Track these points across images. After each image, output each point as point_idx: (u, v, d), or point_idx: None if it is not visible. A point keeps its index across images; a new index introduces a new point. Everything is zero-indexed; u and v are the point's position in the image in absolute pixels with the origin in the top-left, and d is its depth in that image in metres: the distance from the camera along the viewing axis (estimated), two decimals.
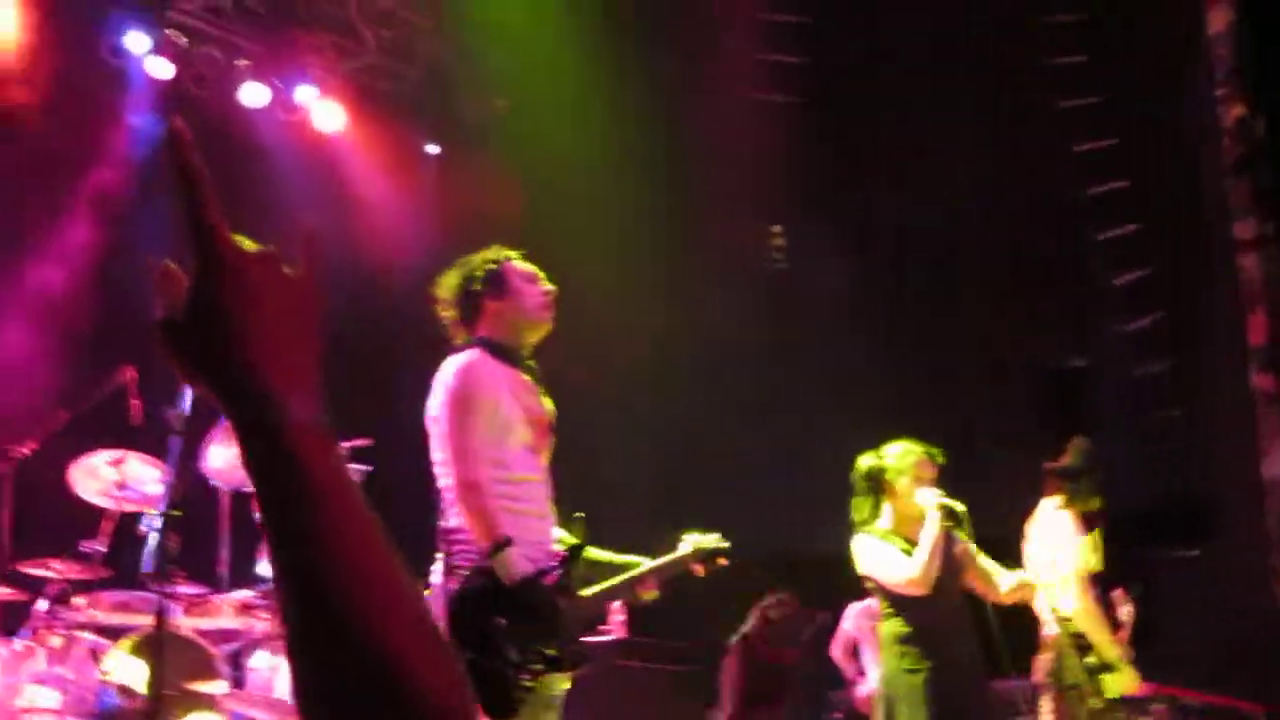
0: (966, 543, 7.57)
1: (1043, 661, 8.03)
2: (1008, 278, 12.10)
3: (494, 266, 5.97)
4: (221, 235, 1.62)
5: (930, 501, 7.44)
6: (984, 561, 7.67)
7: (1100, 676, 7.78)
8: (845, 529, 7.73)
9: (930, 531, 7.38)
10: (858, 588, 8.02)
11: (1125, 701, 7.86)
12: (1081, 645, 7.84)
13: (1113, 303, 11.84)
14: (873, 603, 8.21)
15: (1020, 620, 8.02)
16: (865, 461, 7.78)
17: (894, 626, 7.58)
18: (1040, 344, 12.25)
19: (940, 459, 7.71)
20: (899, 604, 7.54)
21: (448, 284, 6.04)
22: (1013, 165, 12.17)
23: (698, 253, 12.59)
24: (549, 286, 6.02)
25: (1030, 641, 8.09)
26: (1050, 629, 7.95)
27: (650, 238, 12.63)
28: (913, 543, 7.48)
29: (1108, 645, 7.80)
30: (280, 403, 1.57)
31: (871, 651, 9.53)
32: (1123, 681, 7.81)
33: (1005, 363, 12.10)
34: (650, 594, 5.98)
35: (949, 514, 7.42)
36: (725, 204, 12.63)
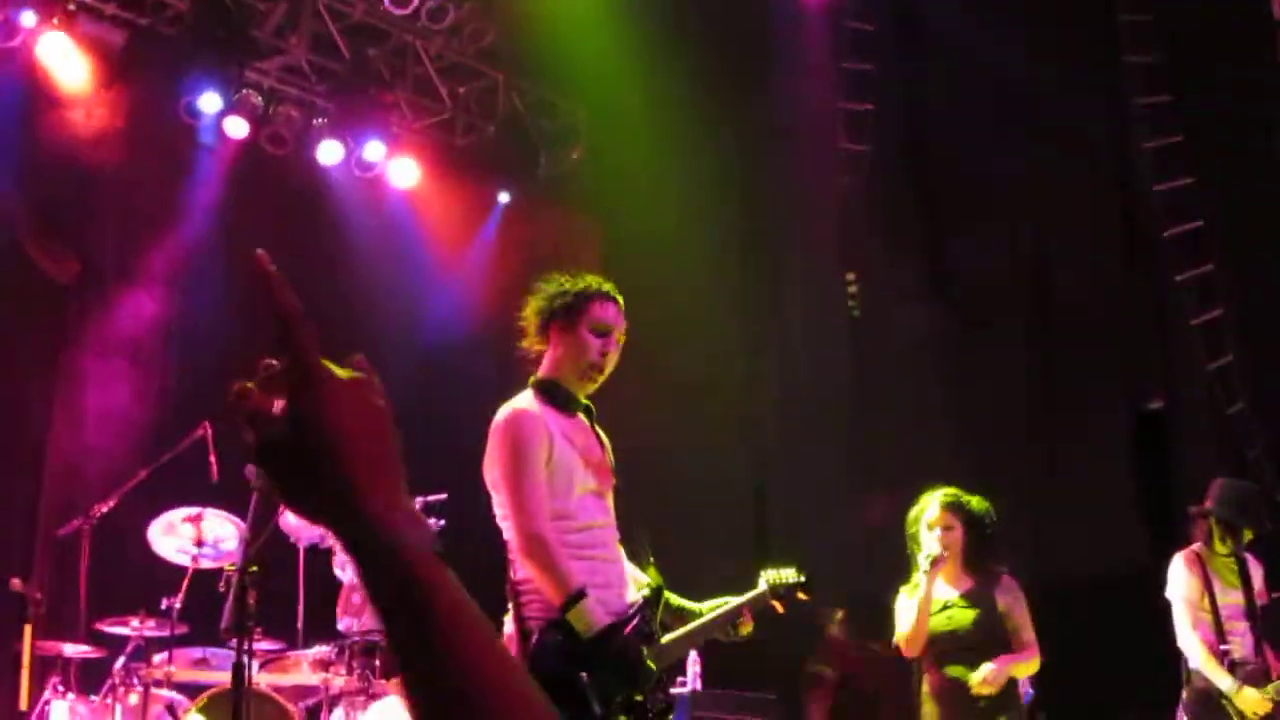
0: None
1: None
2: (1090, 318, 11.95)
3: (574, 297, 5.78)
4: (318, 365, 1.68)
5: (922, 562, 7.42)
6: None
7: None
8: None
9: (918, 594, 7.41)
10: None
11: None
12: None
13: (1194, 342, 11.67)
14: None
15: None
16: (910, 514, 7.75)
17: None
18: (1126, 385, 12.08)
19: (953, 499, 7.60)
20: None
21: (530, 300, 5.88)
22: (1095, 204, 12.04)
23: (780, 300, 12.52)
24: (616, 343, 5.84)
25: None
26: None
27: (731, 286, 12.59)
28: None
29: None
30: (390, 525, 1.63)
31: None
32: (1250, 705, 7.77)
33: (1089, 404, 11.94)
34: (747, 628, 5.89)
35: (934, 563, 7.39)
36: (806, 251, 12.56)
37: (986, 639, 7.44)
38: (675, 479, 11.33)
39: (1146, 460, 11.50)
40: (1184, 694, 8.06)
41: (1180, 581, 8.15)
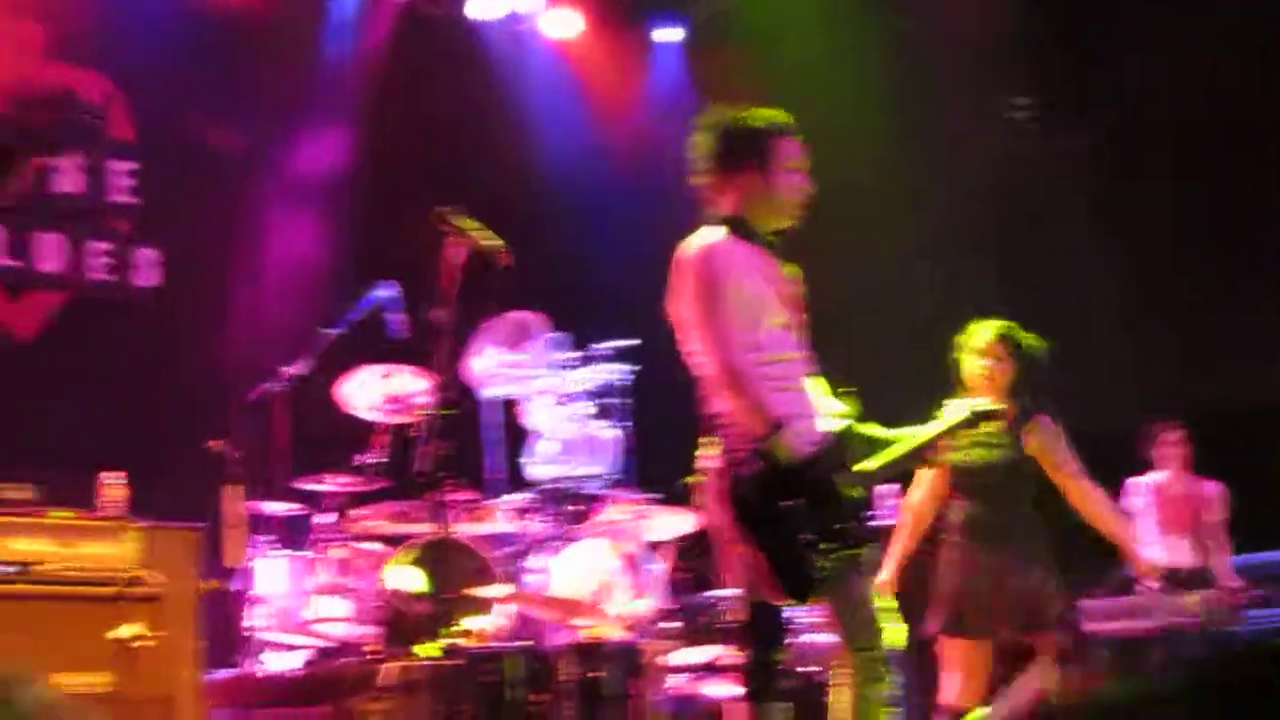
0: None
1: None
2: (1262, 144, 11.56)
3: (767, 134, 5.69)
4: None
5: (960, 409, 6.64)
6: None
7: None
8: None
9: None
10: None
11: None
12: None
13: None
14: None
15: None
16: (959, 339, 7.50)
17: None
18: None
19: (1008, 330, 7.34)
20: None
21: (707, 136, 5.75)
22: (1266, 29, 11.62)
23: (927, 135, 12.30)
24: (807, 182, 5.79)
25: None
26: None
27: (884, 125, 12.40)
28: None
29: None
30: None
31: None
32: None
33: (1254, 232, 11.59)
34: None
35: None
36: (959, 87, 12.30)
37: (1007, 480, 7.26)
38: (855, 313, 11.23)
39: None
40: None
41: None
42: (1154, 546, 9.97)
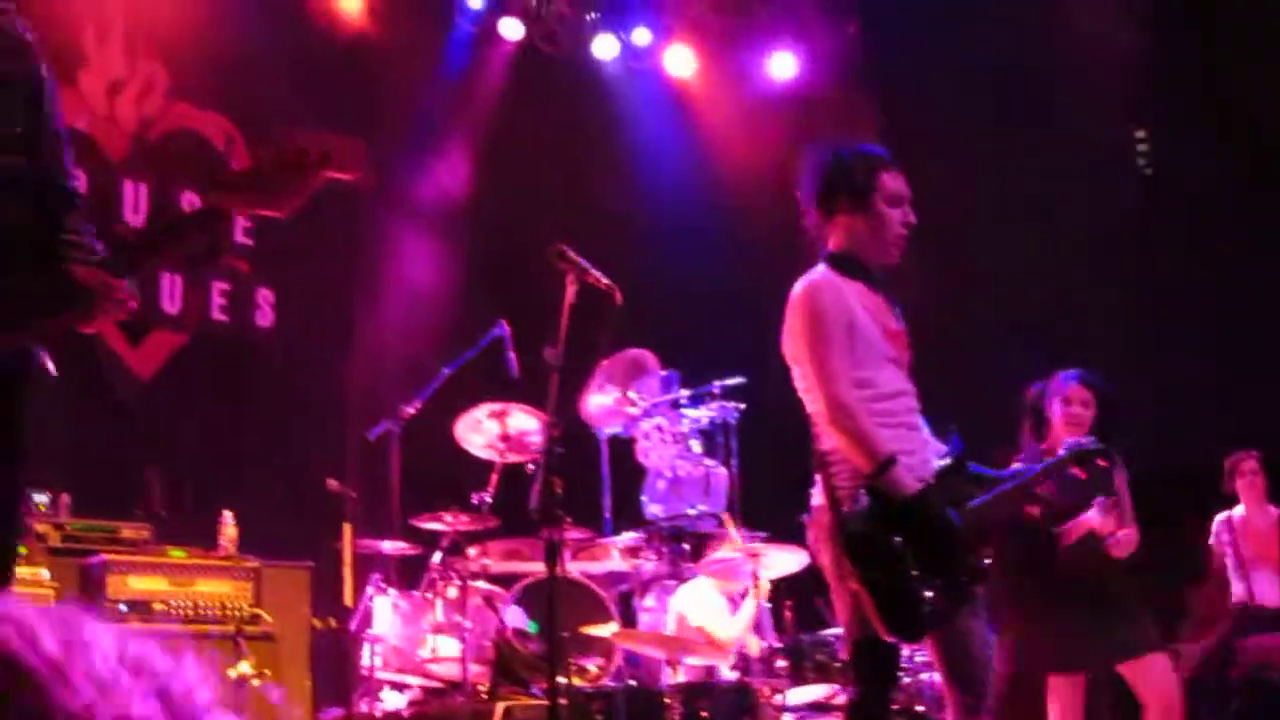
0: None
1: None
2: None
3: (860, 174, 5.66)
4: None
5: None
6: None
7: None
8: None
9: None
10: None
11: None
12: None
13: None
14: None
15: None
16: (1032, 388, 7.64)
17: None
18: None
19: (1093, 377, 7.43)
20: None
21: (810, 174, 5.72)
22: None
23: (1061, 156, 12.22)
24: (911, 216, 5.75)
25: None
26: None
27: (1010, 154, 12.31)
28: None
29: None
30: None
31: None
32: None
33: None
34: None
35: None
36: (1088, 108, 12.21)
37: None
38: (955, 349, 11.16)
39: None
40: None
41: None
42: (1240, 584, 9.82)
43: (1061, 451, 5.97)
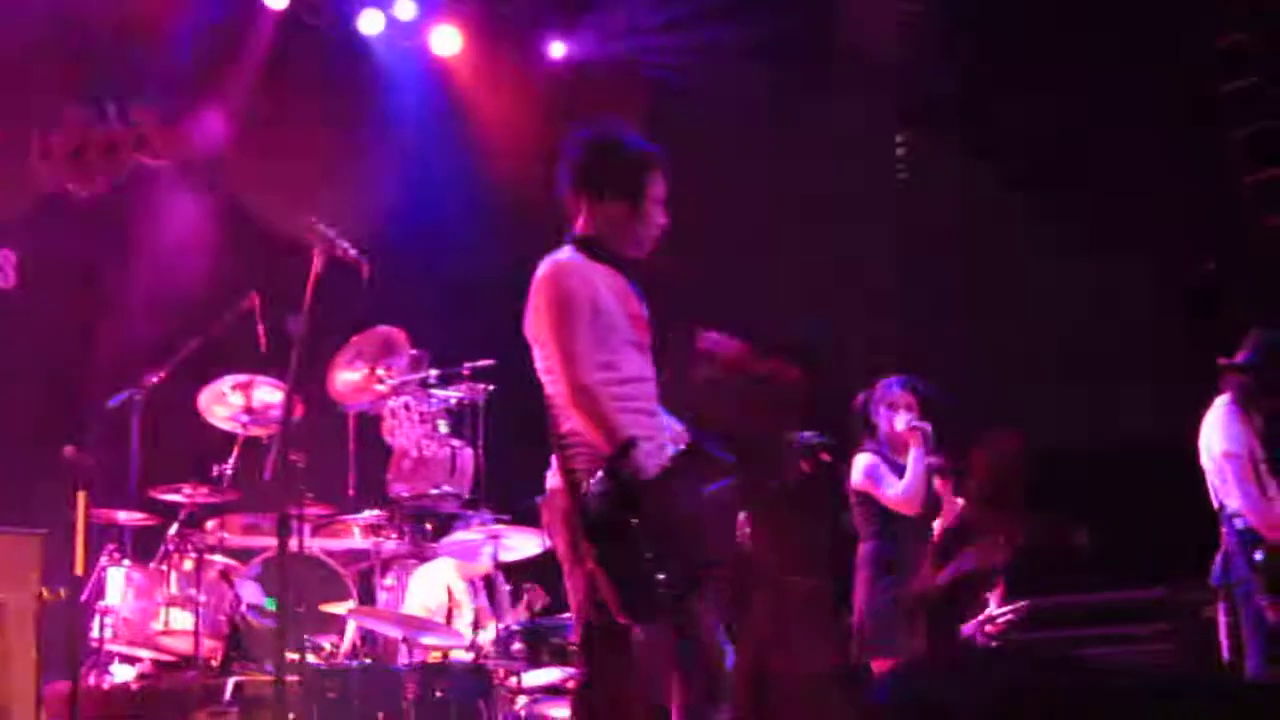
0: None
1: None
2: (1138, 177, 11.76)
3: (641, 166, 5.68)
4: None
5: (904, 426, 7.81)
6: None
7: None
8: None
9: (915, 455, 7.75)
10: None
11: None
12: (1249, 541, 7.68)
13: (1250, 201, 11.48)
14: None
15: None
16: (858, 399, 8.12)
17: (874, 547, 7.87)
18: (1179, 245, 11.92)
19: (921, 386, 7.99)
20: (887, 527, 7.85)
21: (579, 155, 5.73)
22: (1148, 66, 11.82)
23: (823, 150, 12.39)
24: (664, 218, 5.78)
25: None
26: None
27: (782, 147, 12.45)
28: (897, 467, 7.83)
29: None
30: None
31: None
32: None
33: (1141, 266, 11.78)
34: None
35: (923, 436, 7.76)
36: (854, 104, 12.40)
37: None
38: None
39: (1200, 323, 11.37)
40: (1256, 555, 7.60)
41: (1234, 435, 7.78)
42: None
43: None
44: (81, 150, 3.90)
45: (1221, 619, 7.89)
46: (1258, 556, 7.62)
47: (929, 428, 7.73)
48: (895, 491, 7.71)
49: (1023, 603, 8.84)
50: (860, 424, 7.97)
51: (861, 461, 7.82)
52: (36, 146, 3.98)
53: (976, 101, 12.33)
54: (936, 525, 8.07)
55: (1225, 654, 7.86)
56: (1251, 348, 7.98)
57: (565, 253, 5.58)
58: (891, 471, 7.76)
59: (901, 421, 7.77)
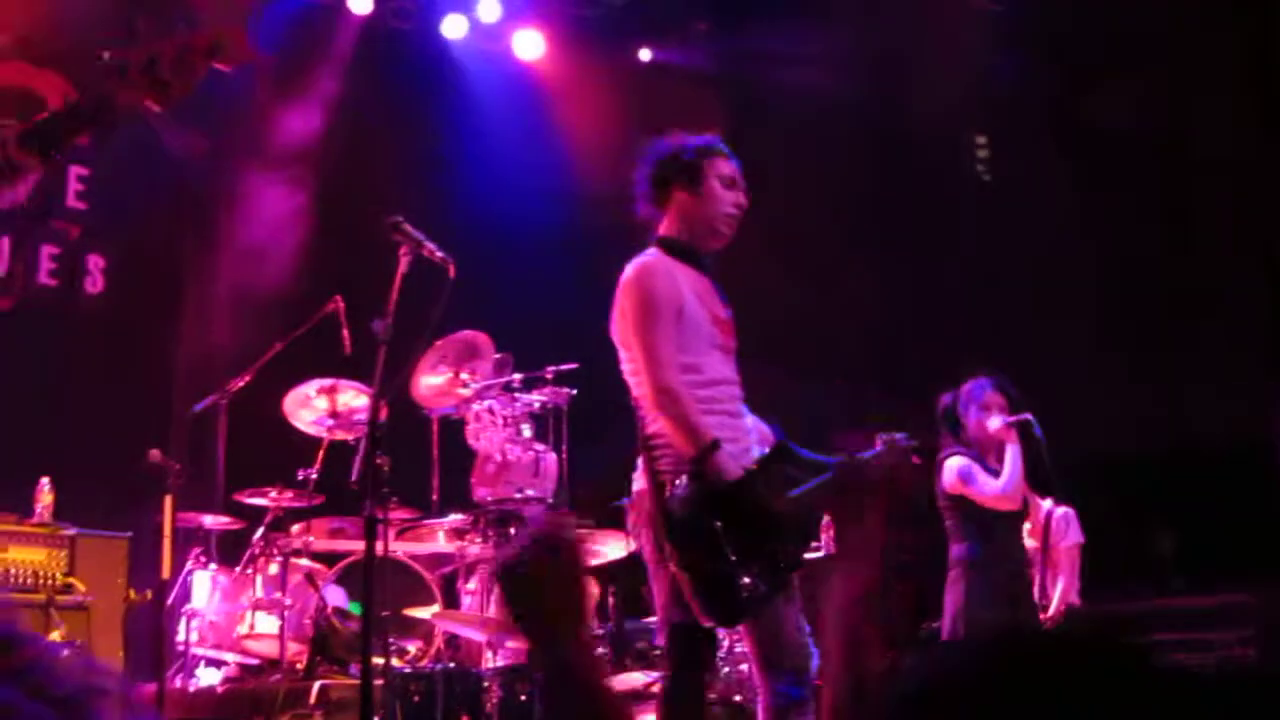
0: None
1: None
2: (1227, 175, 11.62)
3: (693, 157, 5.73)
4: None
5: (999, 425, 7.67)
6: None
7: None
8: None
9: (1013, 451, 7.63)
10: None
11: None
12: None
13: None
14: None
15: None
16: (942, 400, 7.97)
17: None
18: (1263, 246, 11.77)
19: (1010, 387, 7.85)
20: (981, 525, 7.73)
21: (643, 162, 5.80)
22: (1236, 60, 11.68)
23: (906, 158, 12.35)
24: (743, 198, 5.78)
25: None
26: None
27: (857, 155, 12.41)
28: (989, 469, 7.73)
29: None
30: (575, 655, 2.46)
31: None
32: None
33: (1224, 266, 11.65)
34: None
35: (1022, 427, 7.65)
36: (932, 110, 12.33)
37: None
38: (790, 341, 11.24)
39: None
40: None
41: None
42: None
43: (878, 446, 5.99)
44: (155, 62, 3.86)
45: None
46: None
47: (1031, 418, 7.62)
48: (994, 487, 7.58)
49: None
50: (947, 425, 7.88)
51: (954, 464, 7.73)
52: (112, 65, 3.93)
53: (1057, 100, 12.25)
54: (1028, 527, 8.01)
55: None
56: None
57: (650, 254, 5.58)
58: (984, 471, 7.68)
59: (996, 421, 7.66)
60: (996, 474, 7.64)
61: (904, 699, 1.32)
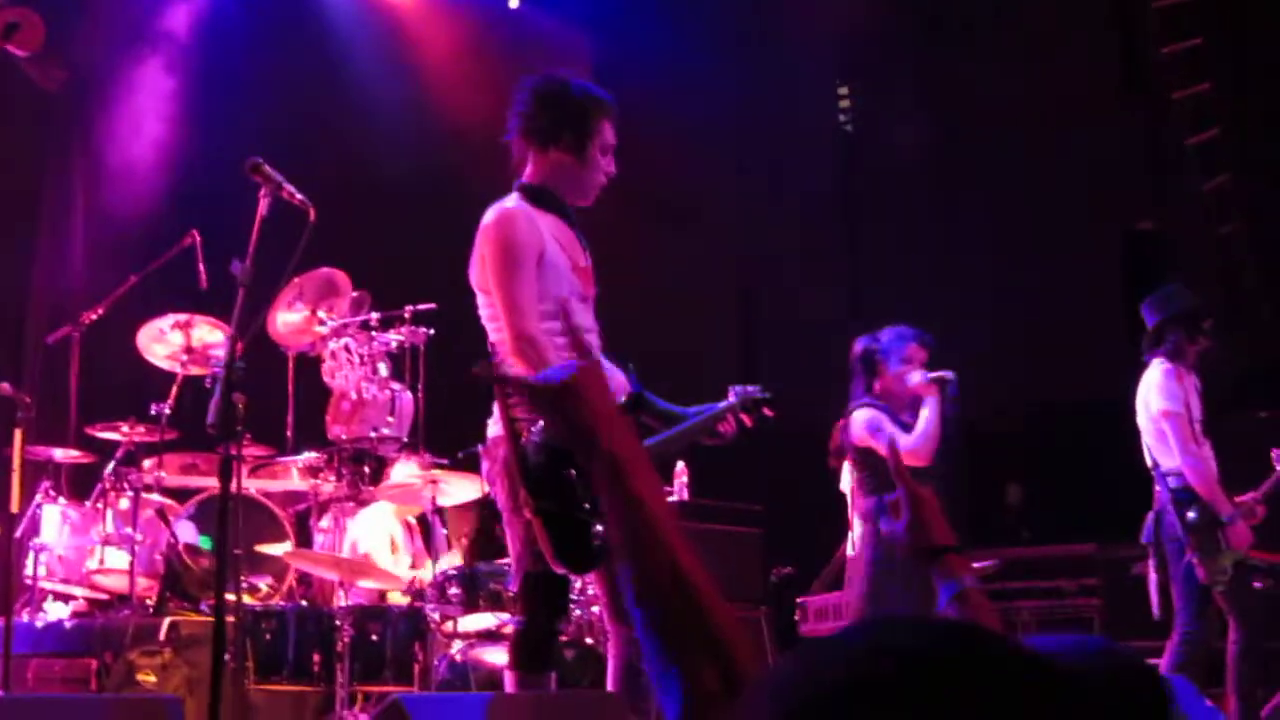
0: None
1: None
2: (1086, 141, 11.85)
3: (591, 115, 5.62)
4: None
5: (921, 380, 7.59)
6: None
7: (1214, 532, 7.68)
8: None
9: (931, 407, 7.55)
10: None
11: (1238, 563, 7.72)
12: (1183, 500, 7.75)
13: (1189, 164, 11.58)
14: None
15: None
16: (860, 343, 7.85)
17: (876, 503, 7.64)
18: (1122, 208, 12.04)
19: (932, 341, 7.79)
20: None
21: (530, 101, 5.64)
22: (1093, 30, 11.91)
23: (769, 110, 12.45)
24: (612, 167, 5.76)
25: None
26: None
27: (725, 96, 12.48)
28: (899, 422, 7.64)
29: (1218, 499, 7.71)
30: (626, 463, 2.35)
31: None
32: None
33: (1085, 226, 11.89)
34: (728, 432, 5.83)
35: (942, 384, 7.56)
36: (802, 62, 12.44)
37: None
38: (661, 289, 11.35)
39: (1137, 282, 11.47)
40: (1189, 514, 7.72)
41: (1172, 394, 7.84)
42: None
43: (731, 398, 6.04)
44: None
45: (1152, 576, 7.96)
46: (1191, 515, 7.71)
47: (952, 376, 7.59)
48: (905, 442, 7.43)
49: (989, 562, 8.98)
50: (863, 369, 7.79)
51: (861, 416, 7.64)
52: None
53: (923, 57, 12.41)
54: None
55: (1155, 611, 7.94)
56: (1156, 307, 8.09)
57: (512, 200, 5.55)
58: (893, 425, 7.63)
59: (917, 376, 7.60)
60: (906, 428, 7.60)
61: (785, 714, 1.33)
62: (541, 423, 5.26)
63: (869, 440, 7.59)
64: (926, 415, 7.54)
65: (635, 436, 2.44)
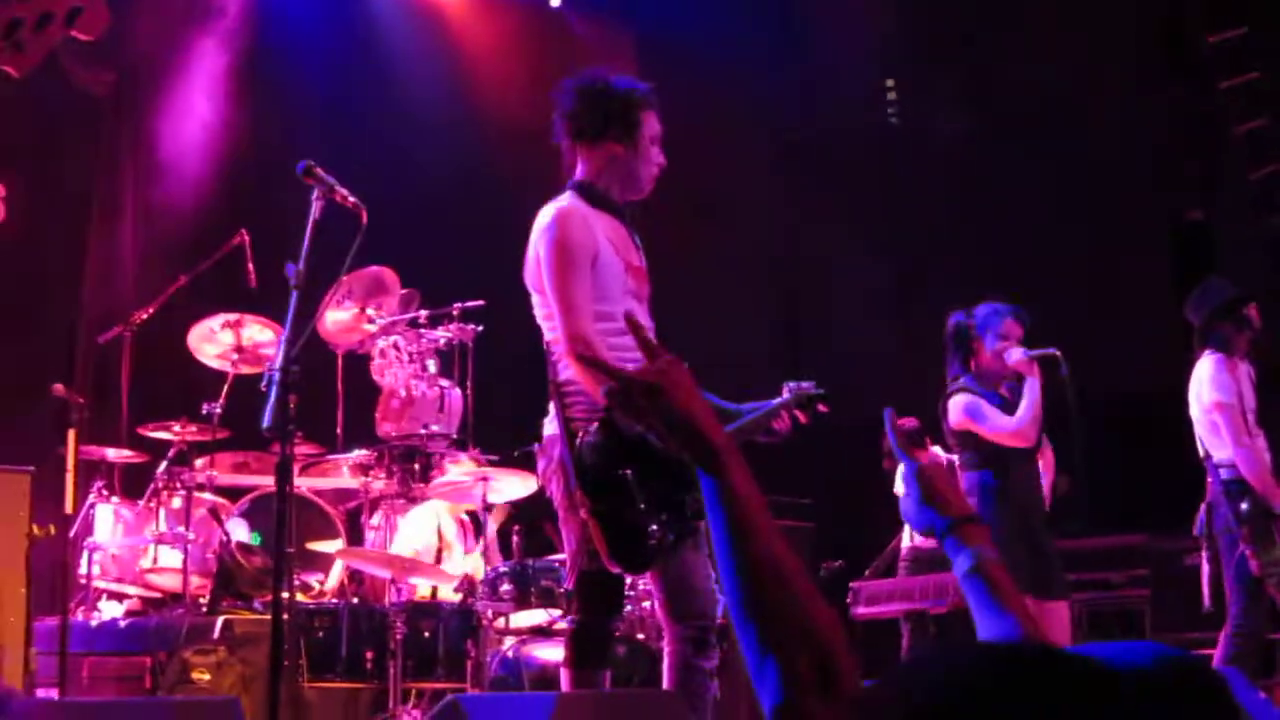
0: None
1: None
2: (1134, 131, 11.80)
3: (635, 105, 5.61)
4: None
5: (1022, 358, 7.41)
6: None
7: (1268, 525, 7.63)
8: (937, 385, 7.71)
9: (1032, 386, 7.38)
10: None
11: None
12: (1236, 492, 7.71)
13: (1239, 153, 11.51)
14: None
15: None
16: (954, 320, 7.69)
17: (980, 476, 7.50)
18: (1170, 197, 11.98)
19: (1027, 317, 7.63)
20: (995, 457, 7.48)
21: (573, 100, 5.63)
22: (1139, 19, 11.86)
23: (815, 105, 12.44)
24: (663, 158, 5.76)
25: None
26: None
27: (760, 94, 12.47)
28: (1001, 398, 7.51)
29: (1271, 490, 7.67)
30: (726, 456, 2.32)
31: None
32: None
33: (1134, 217, 11.84)
34: (783, 429, 5.83)
35: (1052, 363, 7.40)
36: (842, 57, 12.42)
37: None
38: (705, 284, 11.34)
39: (1188, 271, 11.40)
40: (1242, 506, 7.66)
41: (1224, 385, 7.79)
42: None
43: (785, 395, 6.04)
44: (18, 25, 3.83)
45: (1204, 568, 7.94)
46: (1244, 507, 7.67)
47: (1058, 354, 7.40)
48: (1007, 423, 7.38)
49: None
50: (958, 346, 7.66)
51: (959, 401, 7.51)
52: None
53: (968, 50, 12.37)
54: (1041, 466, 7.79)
55: (1207, 603, 7.92)
56: (1197, 304, 8.05)
57: (566, 199, 5.55)
58: (991, 406, 7.49)
59: (1017, 353, 7.42)
60: (1004, 404, 7.51)
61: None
62: (596, 424, 5.29)
63: (968, 424, 7.49)
64: (1028, 395, 7.39)
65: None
